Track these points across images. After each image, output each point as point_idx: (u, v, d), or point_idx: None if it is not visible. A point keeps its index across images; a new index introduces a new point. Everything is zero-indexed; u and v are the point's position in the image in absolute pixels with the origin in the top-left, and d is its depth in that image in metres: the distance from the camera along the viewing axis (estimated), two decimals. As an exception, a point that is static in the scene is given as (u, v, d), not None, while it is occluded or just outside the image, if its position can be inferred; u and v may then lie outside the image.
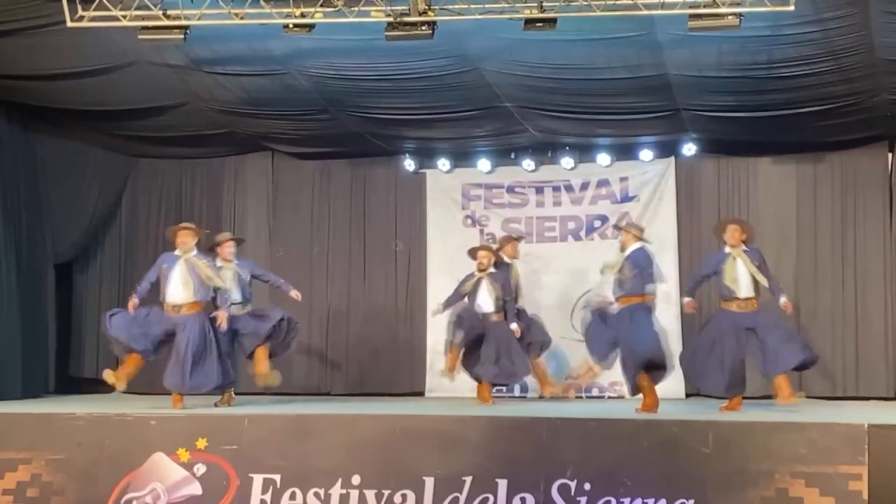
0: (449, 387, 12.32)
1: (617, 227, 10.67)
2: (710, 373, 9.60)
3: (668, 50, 9.30)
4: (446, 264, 12.67)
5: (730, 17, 8.27)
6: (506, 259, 11.01)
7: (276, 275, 10.79)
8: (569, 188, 12.47)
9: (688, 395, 11.85)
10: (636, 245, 9.80)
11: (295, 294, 10.38)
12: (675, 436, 7.88)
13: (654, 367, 9.50)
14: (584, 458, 7.95)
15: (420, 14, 8.58)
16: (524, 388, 11.71)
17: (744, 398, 11.38)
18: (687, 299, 9.94)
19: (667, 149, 12.12)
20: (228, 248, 10.32)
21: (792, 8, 8.04)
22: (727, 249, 9.65)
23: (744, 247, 9.63)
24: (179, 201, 13.40)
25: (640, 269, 9.61)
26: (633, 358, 9.46)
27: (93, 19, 8.90)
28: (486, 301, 10.63)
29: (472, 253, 10.97)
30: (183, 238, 9.89)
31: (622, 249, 9.89)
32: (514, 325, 10.59)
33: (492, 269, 10.76)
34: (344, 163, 13.01)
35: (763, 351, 9.44)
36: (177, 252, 9.85)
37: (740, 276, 9.52)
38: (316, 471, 8.30)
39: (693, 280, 10.14)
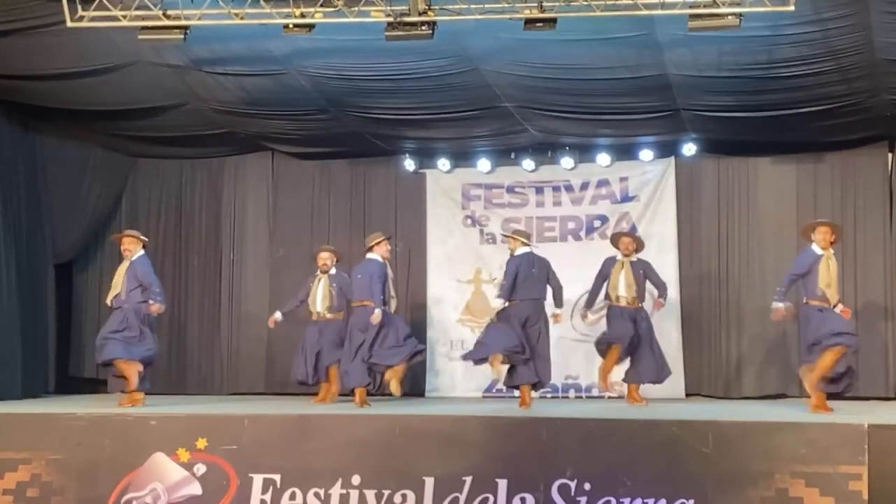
0: (449, 387, 12.38)
1: (505, 235, 11.01)
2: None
3: (668, 50, 9.30)
4: (446, 264, 12.69)
5: (730, 17, 8.28)
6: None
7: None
8: (569, 188, 12.47)
9: (688, 395, 11.87)
10: (522, 250, 10.25)
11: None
12: (675, 436, 7.88)
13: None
14: (584, 458, 7.96)
15: (420, 14, 8.58)
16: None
17: (748, 398, 11.46)
18: (783, 304, 9.51)
19: (667, 149, 12.11)
20: (386, 246, 10.63)
21: (792, 8, 8.05)
22: (818, 251, 9.45)
23: (832, 249, 9.52)
24: (179, 201, 13.40)
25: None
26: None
27: (93, 19, 8.91)
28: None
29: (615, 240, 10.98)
30: (127, 245, 10.44)
31: (511, 254, 10.36)
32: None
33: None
34: (344, 163, 13.00)
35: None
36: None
37: (834, 279, 9.38)
38: (316, 471, 8.31)
39: (786, 282, 9.59)
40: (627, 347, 10.56)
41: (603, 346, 10.71)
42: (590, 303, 10.83)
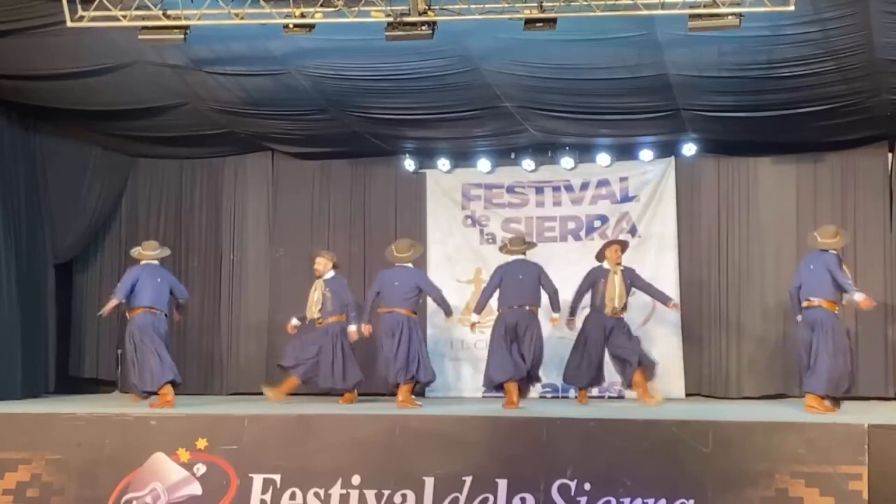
0: (449, 387, 12.37)
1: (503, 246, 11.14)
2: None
3: (668, 50, 9.30)
4: (446, 264, 12.68)
5: (730, 17, 8.28)
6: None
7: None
8: (569, 188, 12.47)
9: (688, 395, 11.87)
10: (513, 257, 10.62)
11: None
12: (675, 436, 7.89)
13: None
14: (584, 458, 7.97)
15: (420, 14, 8.58)
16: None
17: (748, 398, 11.44)
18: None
19: (667, 149, 12.11)
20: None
21: (792, 8, 8.05)
22: (835, 251, 9.58)
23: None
24: (179, 201, 13.40)
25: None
26: None
27: (93, 19, 8.90)
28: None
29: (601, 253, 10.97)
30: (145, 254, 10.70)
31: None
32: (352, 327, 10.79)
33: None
34: (344, 163, 13.00)
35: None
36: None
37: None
38: (316, 471, 8.32)
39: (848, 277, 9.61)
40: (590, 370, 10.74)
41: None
42: (573, 310, 10.85)
